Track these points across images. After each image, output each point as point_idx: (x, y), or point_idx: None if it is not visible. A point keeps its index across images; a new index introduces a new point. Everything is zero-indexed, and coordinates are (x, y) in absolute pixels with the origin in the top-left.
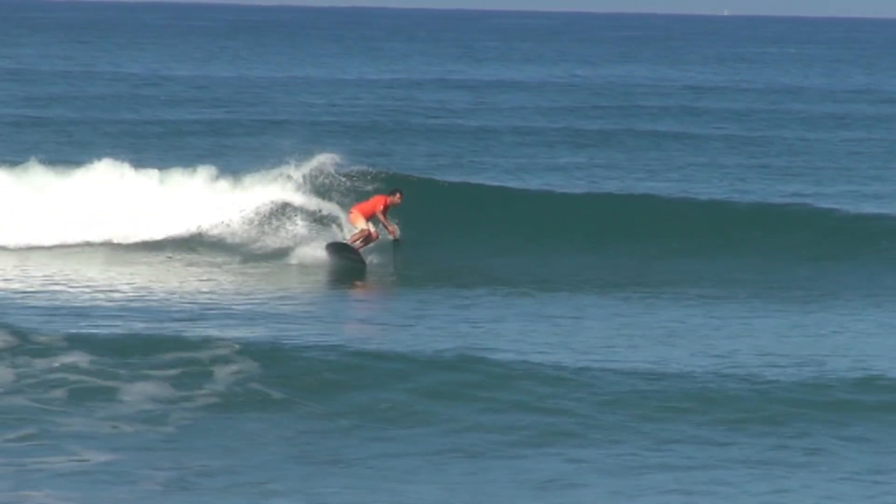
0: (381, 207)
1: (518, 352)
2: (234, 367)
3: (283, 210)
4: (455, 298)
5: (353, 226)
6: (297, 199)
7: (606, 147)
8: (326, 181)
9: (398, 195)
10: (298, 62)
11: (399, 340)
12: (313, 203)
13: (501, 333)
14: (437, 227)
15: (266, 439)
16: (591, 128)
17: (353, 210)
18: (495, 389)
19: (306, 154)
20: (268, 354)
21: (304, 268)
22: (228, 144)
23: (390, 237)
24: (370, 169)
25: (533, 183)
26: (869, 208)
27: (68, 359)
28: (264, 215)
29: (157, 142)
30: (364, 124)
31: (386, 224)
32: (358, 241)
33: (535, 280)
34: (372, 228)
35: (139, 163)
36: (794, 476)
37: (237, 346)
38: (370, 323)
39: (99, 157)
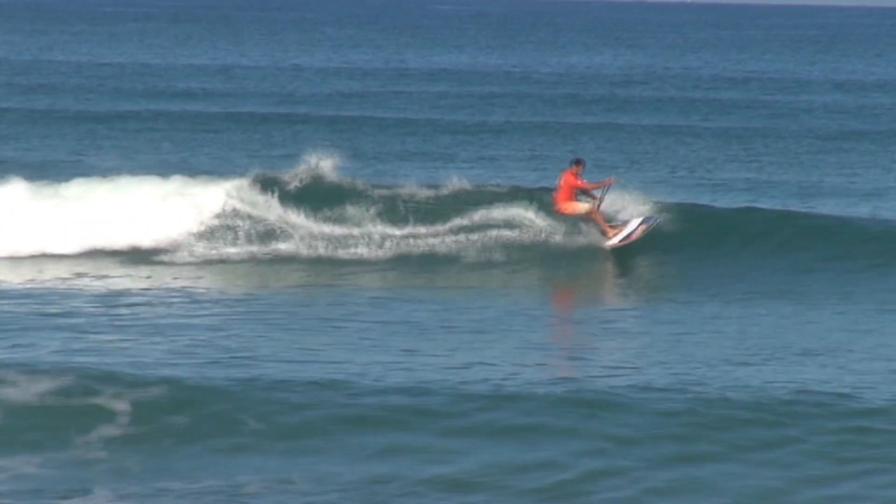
0: (575, 182)
1: None
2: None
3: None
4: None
5: (574, 213)
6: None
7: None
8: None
9: (579, 165)
10: (233, 49)
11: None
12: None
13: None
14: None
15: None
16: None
17: (558, 200)
18: None
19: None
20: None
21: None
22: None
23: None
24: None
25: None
26: None
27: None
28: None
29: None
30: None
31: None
32: (591, 218)
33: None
34: (587, 205)
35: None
36: None
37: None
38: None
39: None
